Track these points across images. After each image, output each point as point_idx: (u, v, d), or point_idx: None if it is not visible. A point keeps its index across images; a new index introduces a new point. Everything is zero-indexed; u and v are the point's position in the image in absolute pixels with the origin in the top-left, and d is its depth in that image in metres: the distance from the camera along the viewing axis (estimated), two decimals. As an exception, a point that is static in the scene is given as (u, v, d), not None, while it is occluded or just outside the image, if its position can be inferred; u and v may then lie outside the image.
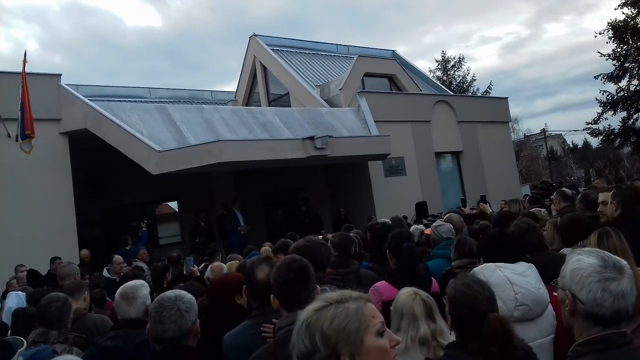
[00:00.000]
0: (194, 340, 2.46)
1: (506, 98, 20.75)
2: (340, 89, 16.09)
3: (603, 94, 27.13)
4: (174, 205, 16.97)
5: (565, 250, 3.71)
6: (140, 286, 3.32)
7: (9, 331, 3.90)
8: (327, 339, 1.45)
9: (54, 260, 8.47)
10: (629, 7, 26.27)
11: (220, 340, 2.90)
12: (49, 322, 3.34)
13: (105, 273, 7.55)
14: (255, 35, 18.69)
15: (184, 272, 6.88)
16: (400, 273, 3.46)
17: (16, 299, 5.49)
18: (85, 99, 11.45)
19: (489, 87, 41.63)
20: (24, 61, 9.81)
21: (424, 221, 9.01)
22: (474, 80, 41.67)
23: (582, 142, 61.07)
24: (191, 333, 2.45)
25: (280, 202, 17.09)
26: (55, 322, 3.35)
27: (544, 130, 50.19)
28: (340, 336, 1.45)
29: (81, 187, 11.58)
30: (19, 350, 2.09)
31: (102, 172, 13.45)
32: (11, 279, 7.48)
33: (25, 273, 7.22)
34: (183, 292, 2.57)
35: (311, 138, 12.15)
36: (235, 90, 20.26)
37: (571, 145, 61.85)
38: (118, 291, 3.33)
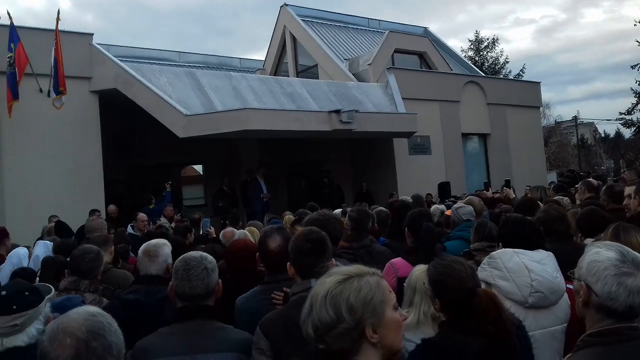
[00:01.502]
0: (213, 300, 2.52)
1: (538, 82, 20.31)
2: (370, 64, 15.93)
3: (639, 85, 26.34)
4: (199, 168, 17.17)
5: (588, 241, 3.69)
6: (163, 245, 3.41)
7: (37, 278, 4.05)
8: (354, 310, 1.49)
9: (92, 212, 8.67)
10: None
11: (233, 303, 2.98)
12: (82, 272, 3.47)
13: (129, 229, 7.75)
14: (286, 4, 18.54)
15: (201, 233, 7.01)
16: (417, 251, 3.49)
17: (44, 248, 5.65)
18: (116, 60, 11.56)
19: (521, 70, 40.77)
20: (57, 19, 9.93)
21: (447, 202, 8.99)
22: (507, 62, 40.78)
23: (614, 132, 59.66)
24: (214, 292, 2.52)
25: (303, 172, 17.16)
26: (87, 273, 3.48)
27: (575, 118, 49.09)
28: (367, 308, 1.50)
29: (108, 145, 11.80)
30: (48, 296, 2.19)
31: (129, 132, 13.63)
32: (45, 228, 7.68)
33: (53, 224, 7.42)
34: (205, 253, 2.64)
35: (337, 111, 12.13)
36: (264, 59, 20.20)
37: (602, 135, 60.45)
38: (141, 248, 3.43)
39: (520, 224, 3.09)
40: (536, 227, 3.14)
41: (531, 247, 2.97)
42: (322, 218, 3.56)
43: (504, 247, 3.04)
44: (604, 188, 5.41)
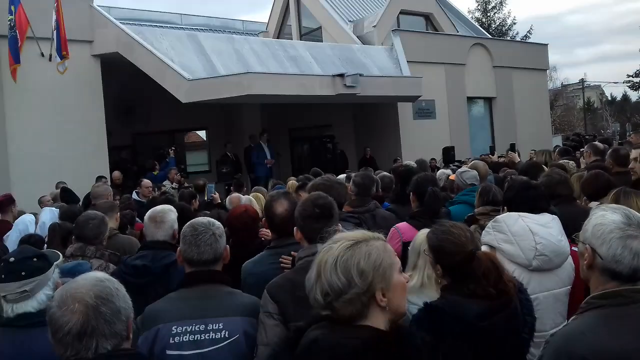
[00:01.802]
0: (221, 265, 2.54)
1: (546, 45, 19.98)
2: (375, 26, 15.67)
3: (649, 46, 25.82)
4: (202, 134, 17.13)
5: (593, 204, 3.69)
6: (169, 211, 3.42)
7: (45, 245, 4.09)
8: (365, 275, 1.49)
9: (99, 178, 8.69)
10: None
11: (237, 268, 3.00)
12: (87, 238, 3.50)
13: (134, 195, 7.78)
14: (290, -36, 18.11)
15: (206, 199, 7.04)
16: (421, 215, 3.50)
17: (50, 214, 5.69)
18: (118, 22, 11.39)
19: (529, 31, 40.06)
20: (58, -20, 9.73)
21: (451, 166, 8.97)
22: (514, 24, 40.08)
23: (620, 95, 58.99)
24: (222, 258, 2.53)
25: (307, 137, 17.10)
26: (92, 239, 3.50)
27: (582, 81, 48.45)
28: (377, 272, 1.50)
29: (111, 111, 11.74)
30: (56, 262, 2.20)
31: (132, 97, 13.56)
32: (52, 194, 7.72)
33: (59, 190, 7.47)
34: (213, 219, 2.65)
35: (341, 75, 11.99)
36: (267, 22, 19.88)
37: (609, 98, 59.75)
38: (147, 214, 3.44)
39: (525, 188, 3.09)
40: (541, 191, 3.14)
41: (536, 210, 2.97)
42: (327, 183, 3.56)
43: (509, 211, 3.04)
44: (609, 151, 5.37)
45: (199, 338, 2.28)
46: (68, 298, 1.43)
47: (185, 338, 2.28)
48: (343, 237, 1.60)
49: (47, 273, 2.11)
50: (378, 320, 1.52)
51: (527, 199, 3.01)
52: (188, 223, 2.60)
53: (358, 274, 1.49)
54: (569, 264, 2.95)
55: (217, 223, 2.59)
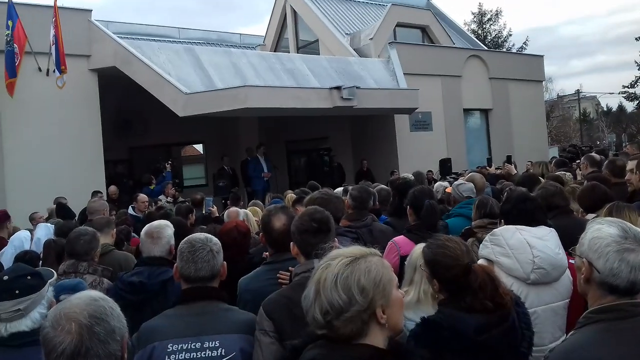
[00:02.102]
0: (218, 282, 2.52)
1: (542, 56, 20.07)
2: (371, 39, 15.75)
3: (643, 57, 26.04)
4: (199, 148, 17.13)
5: (590, 216, 3.69)
6: (165, 226, 3.40)
7: (40, 261, 4.06)
8: (366, 292, 1.47)
9: (95, 193, 8.64)
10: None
11: (229, 283, 2.98)
12: (78, 254, 3.48)
13: (130, 210, 7.76)
14: (287, -23, 18.21)
15: (203, 212, 7.02)
16: (419, 229, 3.49)
17: (45, 231, 5.66)
18: (115, 37, 11.43)
19: (524, 43, 40.29)
20: (56, -5, 9.80)
21: (448, 178, 8.97)
22: (510, 35, 40.36)
23: (616, 106, 59.24)
24: (219, 274, 2.51)
25: (303, 150, 17.11)
26: (83, 255, 3.48)
27: (578, 92, 48.70)
28: (377, 289, 1.48)
29: (108, 125, 11.74)
30: (50, 280, 2.18)
31: (129, 111, 13.58)
32: (49, 210, 7.70)
33: (55, 206, 7.45)
34: (210, 235, 2.63)
35: (338, 88, 12.03)
36: (264, 35, 19.98)
37: (605, 109, 60.01)
38: (144, 229, 3.42)
39: (522, 201, 3.08)
40: (538, 203, 3.14)
41: (533, 223, 2.96)
42: (324, 197, 3.55)
43: (506, 224, 3.04)
44: (606, 162, 5.39)
45: (195, 356, 2.26)
46: (62, 318, 1.41)
47: (181, 356, 2.26)
48: (340, 253, 1.57)
49: (42, 291, 2.09)
50: (377, 338, 1.50)
51: (525, 212, 3.00)
52: (185, 239, 2.58)
53: (359, 291, 1.47)
54: (567, 277, 2.94)
55: (215, 239, 2.58)
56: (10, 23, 9.44)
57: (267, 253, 3.15)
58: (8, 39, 9.38)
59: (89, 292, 1.55)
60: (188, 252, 2.46)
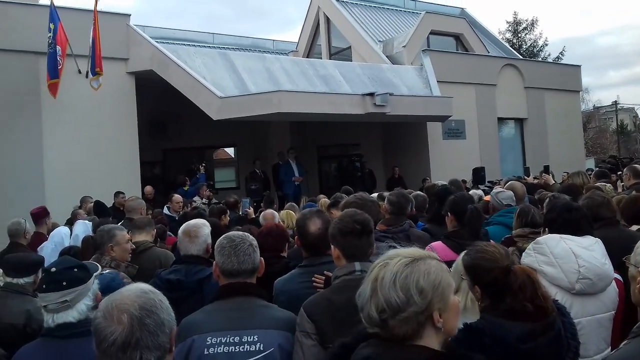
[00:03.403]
0: (255, 278, 2.52)
1: (579, 66, 19.70)
2: (404, 46, 15.68)
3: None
4: (230, 151, 17.30)
5: (633, 228, 3.59)
6: (203, 225, 3.44)
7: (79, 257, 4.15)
8: (424, 293, 1.45)
9: (117, 194, 8.93)
10: None
11: (263, 286, 2.98)
12: (97, 248, 3.57)
13: (165, 210, 7.87)
14: (320, -15, 18.30)
15: (240, 213, 7.07)
16: (458, 236, 3.43)
17: (83, 227, 5.80)
18: (152, 41, 11.64)
19: (561, 53, 39.52)
20: (96, -1, 10.04)
21: (481, 187, 8.84)
22: (546, 45, 39.61)
23: (655, 118, 57.57)
24: (257, 269, 2.52)
25: (335, 155, 17.12)
26: (97, 248, 3.58)
27: (615, 103, 47.54)
28: (436, 292, 1.47)
29: (144, 127, 11.95)
30: (95, 273, 2.22)
31: (164, 114, 13.81)
32: (75, 208, 7.88)
33: (92, 204, 7.60)
34: (246, 233, 2.64)
35: (371, 94, 12.00)
36: (297, 41, 20.10)
37: (643, 121, 58.43)
38: (181, 228, 3.45)
39: (568, 210, 3.01)
40: (584, 213, 3.05)
41: (579, 233, 2.89)
42: (360, 201, 3.52)
43: (550, 233, 2.97)
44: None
45: (233, 350, 2.27)
46: (114, 309, 1.43)
47: (220, 349, 2.27)
48: (399, 253, 1.56)
49: (88, 283, 2.13)
50: (432, 341, 1.48)
51: (570, 221, 2.93)
52: (223, 236, 2.59)
53: (417, 292, 1.45)
54: (612, 288, 2.86)
55: (251, 236, 2.60)
56: (52, 26, 9.70)
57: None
58: (50, 41, 9.64)
59: (139, 284, 1.57)
60: (229, 246, 2.47)
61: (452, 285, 1.53)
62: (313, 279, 2.81)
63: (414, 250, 1.57)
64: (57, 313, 2.05)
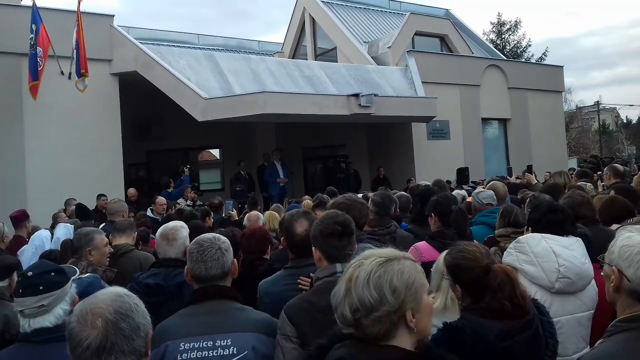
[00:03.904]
0: (229, 281, 2.50)
1: (561, 67, 19.93)
2: (389, 47, 15.75)
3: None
4: (215, 153, 17.22)
5: (613, 227, 3.63)
6: (181, 227, 3.40)
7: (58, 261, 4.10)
8: (397, 293, 1.46)
9: (99, 197, 8.83)
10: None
11: (247, 288, 2.96)
12: (74, 251, 3.52)
13: (148, 212, 7.80)
14: (305, -15, 18.30)
15: (223, 215, 7.04)
16: (441, 236, 3.44)
17: (64, 230, 5.73)
18: (136, 42, 11.56)
19: (544, 53, 39.93)
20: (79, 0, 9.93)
21: (465, 187, 8.90)
22: (529, 46, 39.97)
23: (636, 118, 58.51)
24: (230, 272, 2.50)
25: (320, 156, 17.13)
26: (75, 252, 3.52)
27: (597, 103, 48.15)
28: (409, 291, 1.47)
29: (127, 129, 11.85)
30: (73, 277, 2.19)
31: (148, 115, 13.71)
32: (59, 211, 7.80)
33: (74, 207, 7.52)
34: (218, 235, 2.62)
35: (356, 95, 12.03)
36: (282, 42, 20.09)
37: (625, 121, 59.28)
38: (159, 231, 3.41)
39: (552, 211, 3.02)
40: (568, 214, 3.08)
41: (562, 233, 2.91)
42: (348, 202, 3.51)
43: (533, 233, 2.99)
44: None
45: (207, 355, 2.25)
46: (88, 313, 1.41)
47: (193, 355, 2.25)
48: (374, 253, 1.56)
49: (65, 288, 2.10)
50: (405, 341, 1.48)
51: (554, 222, 2.95)
52: (193, 240, 2.59)
53: (390, 291, 1.46)
54: (592, 287, 2.89)
55: (223, 238, 2.58)
56: (34, 27, 9.58)
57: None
58: (32, 43, 9.52)
59: (115, 288, 1.55)
60: (197, 252, 2.46)
61: (426, 286, 1.54)
62: (299, 281, 2.80)
63: (388, 251, 1.57)
64: (34, 318, 2.01)
